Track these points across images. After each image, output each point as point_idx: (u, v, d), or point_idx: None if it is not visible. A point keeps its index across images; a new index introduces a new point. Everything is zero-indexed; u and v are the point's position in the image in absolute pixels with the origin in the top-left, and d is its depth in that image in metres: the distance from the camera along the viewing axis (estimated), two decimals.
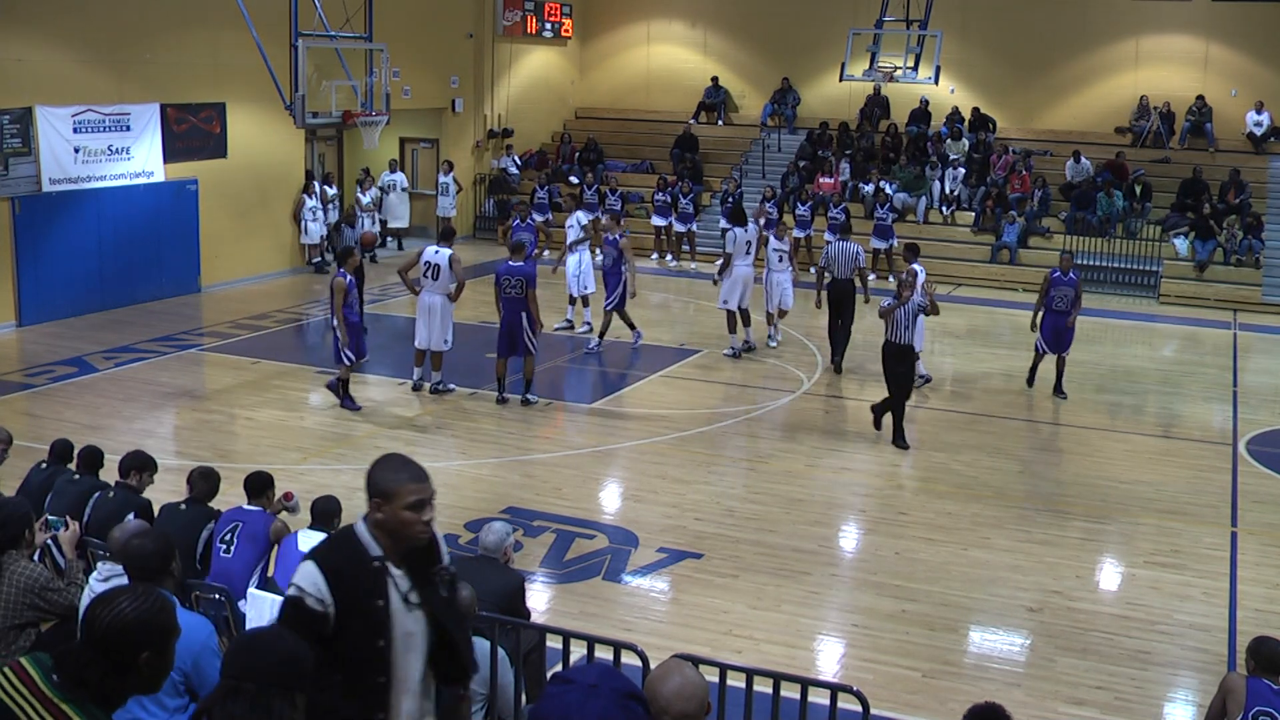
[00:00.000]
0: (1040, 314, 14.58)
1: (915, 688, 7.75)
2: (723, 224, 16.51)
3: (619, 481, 11.74)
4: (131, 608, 3.10)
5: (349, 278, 13.09)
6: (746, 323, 16.28)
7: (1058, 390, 14.63)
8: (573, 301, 17.48)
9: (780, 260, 16.58)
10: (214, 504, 7.71)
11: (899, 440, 12.65)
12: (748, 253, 16.20)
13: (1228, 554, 10.12)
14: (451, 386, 14.14)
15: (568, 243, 17.40)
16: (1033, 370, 14.93)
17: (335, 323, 13.02)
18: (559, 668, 6.19)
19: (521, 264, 13.58)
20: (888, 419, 12.83)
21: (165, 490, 8.28)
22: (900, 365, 12.63)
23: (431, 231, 23.01)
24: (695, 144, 26.57)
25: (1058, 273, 14.51)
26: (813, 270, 18.89)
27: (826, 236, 22.52)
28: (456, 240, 24.48)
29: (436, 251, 13.85)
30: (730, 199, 23.56)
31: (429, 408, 13.63)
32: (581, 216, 17.93)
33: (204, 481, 7.46)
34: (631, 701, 3.43)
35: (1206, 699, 7.77)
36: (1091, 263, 22.24)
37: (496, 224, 25.74)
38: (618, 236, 16.07)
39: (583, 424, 13.55)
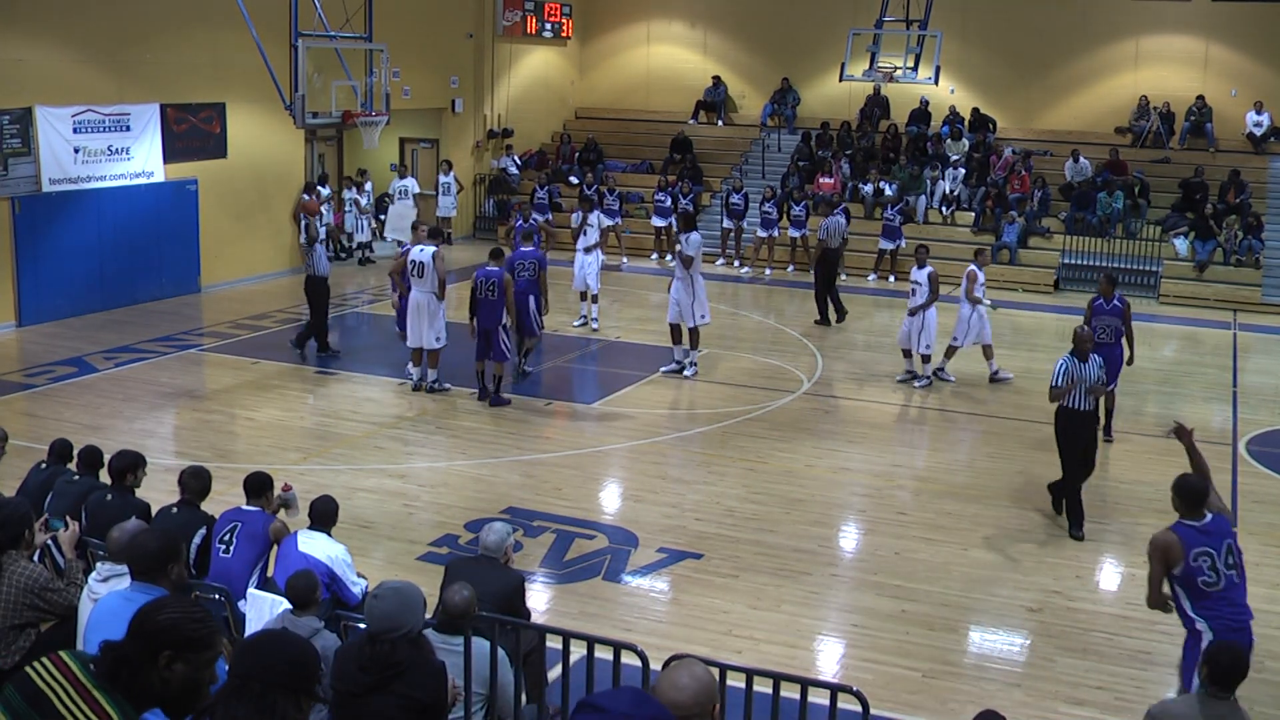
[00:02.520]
0: None
1: (915, 688, 7.74)
2: (691, 236, 14.88)
3: (619, 481, 11.74)
4: (176, 610, 3.27)
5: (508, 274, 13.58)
6: (679, 339, 15.18)
7: (1105, 432, 12.85)
8: (584, 299, 17.55)
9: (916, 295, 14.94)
10: (212, 504, 7.70)
11: (1076, 528, 10.42)
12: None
13: None
14: (447, 386, 14.14)
15: (586, 244, 17.37)
16: (1104, 415, 12.89)
17: (507, 321, 13.39)
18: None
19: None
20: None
21: (164, 491, 8.27)
22: (1079, 438, 10.48)
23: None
24: (689, 145, 26.59)
25: (1100, 300, 12.83)
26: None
27: (792, 233, 22.83)
28: (457, 240, 24.77)
29: (421, 250, 13.93)
30: (731, 196, 23.45)
31: (427, 407, 13.63)
32: (603, 219, 18.00)
33: (195, 481, 7.44)
34: None
35: None
36: (1091, 263, 22.25)
37: (497, 224, 25.76)
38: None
39: (583, 424, 13.55)
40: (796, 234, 22.96)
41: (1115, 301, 12.79)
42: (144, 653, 3.16)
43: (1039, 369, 15.69)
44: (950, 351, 15.29)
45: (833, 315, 18.46)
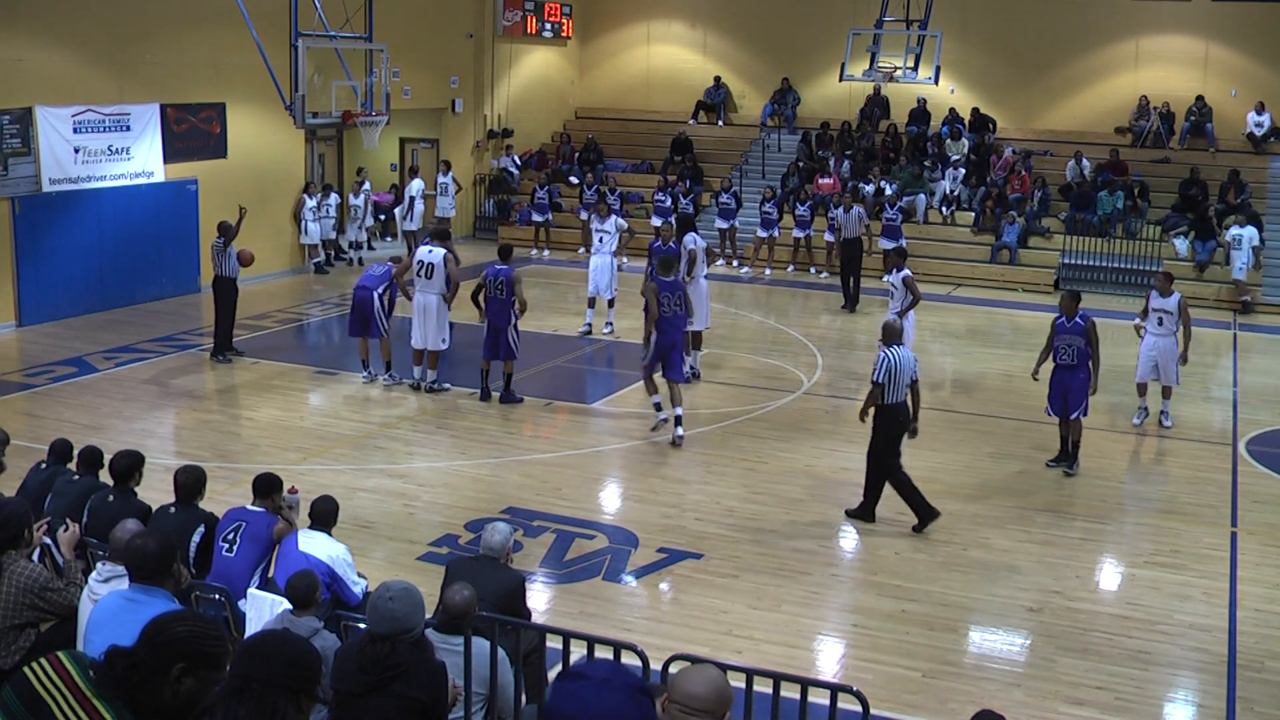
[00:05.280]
0: (1041, 365, 12.28)
1: (915, 688, 7.74)
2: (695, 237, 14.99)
3: (619, 481, 11.74)
4: (195, 624, 3.26)
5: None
6: (698, 344, 15.00)
7: (1069, 461, 12.01)
8: (592, 304, 17.47)
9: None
10: (212, 504, 7.70)
11: (929, 518, 10.39)
12: (703, 261, 14.90)
13: (1228, 554, 10.12)
14: (446, 385, 14.14)
15: (608, 249, 17.25)
16: (1063, 442, 12.16)
17: (517, 320, 13.58)
18: (559, 668, 6.19)
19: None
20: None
21: (164, 491, 8.26)
22: (900, 430, 10.47)
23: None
24: (690, 145, 26.59)
25: (1062, 318, 11.95)
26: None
27: (827, 237, 22.63)
28: (456, 240, 24.71)
29: (430, 251, 13.88)
30: (721, 196, 23.31)
31: (427, 407, 13.63)
32: (621, 222, 17.83)
33: (190, 480, 7.42)
34: (641, 695, 3.47)
35: (1206, 699, 7.79)
36: (1091, 263, 22.27)
37: (496, 224, 25.78)
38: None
39: (583, 424, 13.54)
40: (800, 234, 22.96)
41: (1078, 319, 11.83)
42: (157, 663, 3.13)
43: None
44: (1165, 391, 13.66)
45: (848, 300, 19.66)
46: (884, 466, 10.46)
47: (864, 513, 10.56)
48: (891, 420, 10.37)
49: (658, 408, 12.65)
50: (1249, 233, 20.89)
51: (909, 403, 10.43)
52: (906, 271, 14.57)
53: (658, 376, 12.59)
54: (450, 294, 13.81)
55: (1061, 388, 11.92)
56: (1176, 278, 21.48)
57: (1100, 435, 13.39)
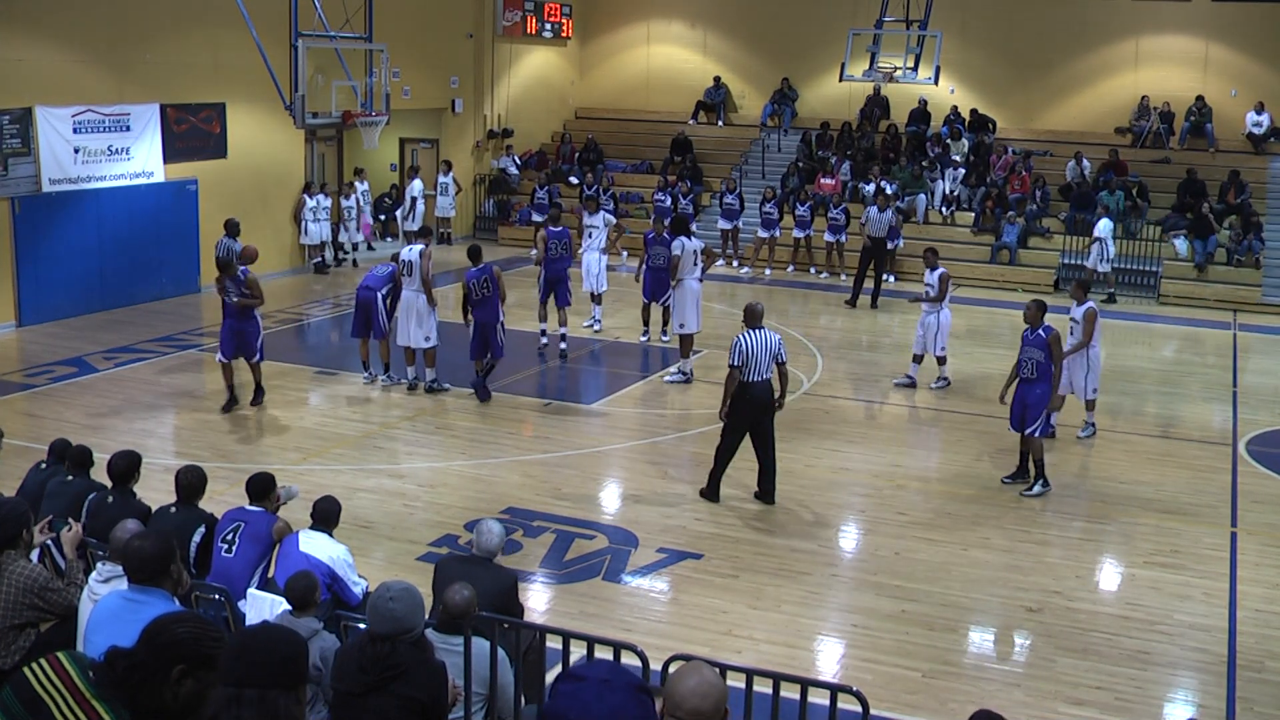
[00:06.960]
0: (1010, 385, 11.58)
1: (915, 688, 7.74)
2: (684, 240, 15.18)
3: (619, 481, 11.73)
4: (195, 625, 3.27)
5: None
6: (686, 352, 15.06)
7: (1035, 479, 11.40)
8: (596, 300, 17.52)
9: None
10: (212, 505, 7.69)
11: (713, 493, 10.90)
12: (695, 264, 15.12)
13: (1227, 554, 10.12)
14: (446, 385, 14.15)
15: (597, 245, 17.36)
16: (1021, 459, 11.61)
17: (503, 317, 13.77)
18: (559, 668, 6.19)
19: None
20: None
21: (165, 491, 8.27)
22: (754, 408, 10.62)
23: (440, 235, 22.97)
24: (689, 146, 26.59)
25: (1026, 329, 11.35)
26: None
27: (827, 237, 22.66)
28: (457, 240, 24.75)
29: (410, 249, 14.07)
30: (725, 197, 23.36)
31: (426, 407, 13.63)
32: (609, 218, 17.96)
33: (192, 480, 7.42)
34: (643, 694, 3.45)
35: (1207, 699, 7.79)
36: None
37: (496, 224, 25.78)
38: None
39: (583, 424, 13.54)
40: (800, 234, 22.97)
41: (1041, 331, 11.21)
42: (157, 664, 3.13)
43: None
44: (1088, 404, 13.20)
45: (869, 298, 19.85)
46: (723, 435, 10.80)
47: (764, 494, 10.96)
48: (743, 398, 10.60)
49: (543, 334, 15.79)
50: (1104, 226, 21.17)
51: (775, 382, 10.69)
52: (941, 269, 14.85)
53: (552, 304, 15.59)
54: (426, 291, 13.87)
55: (1020, 403, 11.32)
56: (1176, 278, 21.79)
57: (1100, 435, 13.39)
